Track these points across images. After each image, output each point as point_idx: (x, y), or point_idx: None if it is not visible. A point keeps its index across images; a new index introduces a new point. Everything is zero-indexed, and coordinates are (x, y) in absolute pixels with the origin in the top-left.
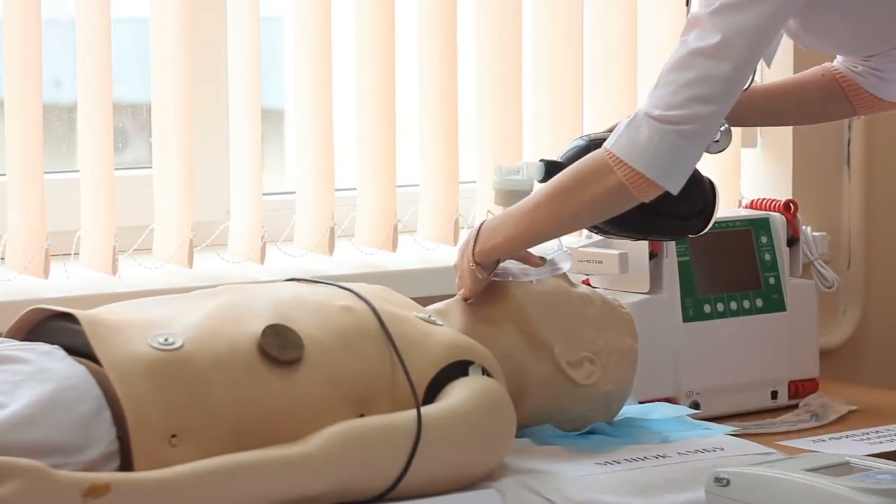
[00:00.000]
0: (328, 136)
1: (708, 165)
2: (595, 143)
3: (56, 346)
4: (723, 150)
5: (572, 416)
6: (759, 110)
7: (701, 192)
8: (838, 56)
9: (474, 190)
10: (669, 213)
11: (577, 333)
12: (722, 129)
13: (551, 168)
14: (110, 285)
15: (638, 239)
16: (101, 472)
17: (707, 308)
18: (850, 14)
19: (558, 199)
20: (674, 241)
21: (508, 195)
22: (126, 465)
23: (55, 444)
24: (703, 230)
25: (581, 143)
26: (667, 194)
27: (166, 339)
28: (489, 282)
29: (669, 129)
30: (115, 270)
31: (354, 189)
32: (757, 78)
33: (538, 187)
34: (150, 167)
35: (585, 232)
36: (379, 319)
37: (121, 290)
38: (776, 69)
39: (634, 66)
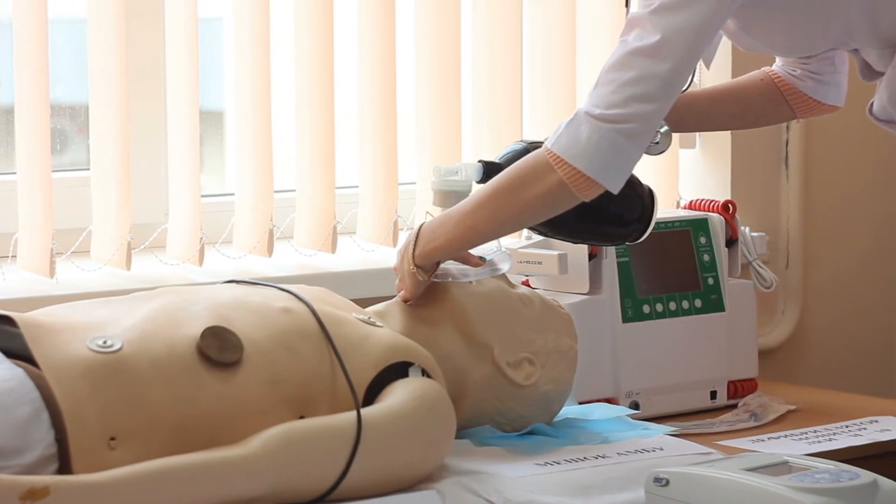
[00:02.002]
0: (267, 138)
1: (647, 166)
2: (533, 147)
3: None
4: (662, 151)
5: (512, 417)
6: (700, 116)
7: (640, 199)
8: (777, 60)
9: (414, 191)
10: (608, 219)
11: (516, 334)
12: (662, 130)
13: (490, 169)
14: (48, 288)
15: (577, 243)
16: (40, 476)
17: (646, 308)
18: (787, 15)
19: (499, 199)
20: None
21: (447, 196)
22: (65, 467)
23: None
24: (640, 237)
25: (519, 146)
26: (607, 199)
27: (105, 342)
28: (429, 283)
29: (610, 127)
30: (52, 273)
31: (294, 191)
32: (696, 80)
33: (477, 188)
34: (89, 169)
35: (525, 233)
36: (318, 321)
37: (59, 293)
38: (715, 71)
39: (573, 67)
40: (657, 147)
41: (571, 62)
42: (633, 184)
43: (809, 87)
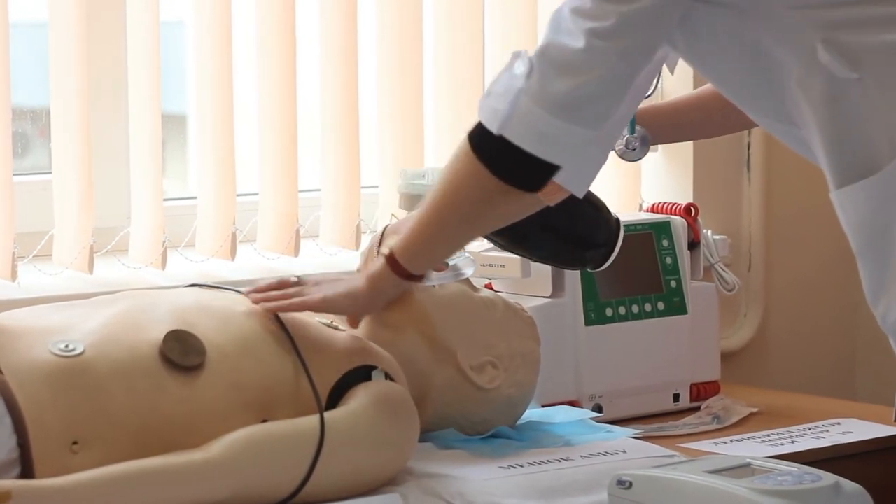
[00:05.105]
0: (229, 141)
1: (609, 169)
2: None
3: None
4: (640, 158)
5: (475, 421)
6: (664, 127)
7: (606, 224)
8: None
9: (376, 195)
10: (572, 239)
11: (479, 338)
12: (640, 137)
13: None
14: (9, 292)
15: (536, 260)
16: (2, 480)
17: (609, 311)
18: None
19: None
20: None
21: (413, 199)
22: (27, 472)
23: None
24: (602, 265)
25: None
26: (573, 219)
27: (67, 346)
28: None
29: None
30: (14, 276)
31: (256, 194)
32: (659, 86)
33: None
34: (51, 173)
35: None
36: (281, 325)
37: (20, 297)
38: (678, 78)
39: None
40: (634, 154)
41: None
42: (601, 209)
43: None
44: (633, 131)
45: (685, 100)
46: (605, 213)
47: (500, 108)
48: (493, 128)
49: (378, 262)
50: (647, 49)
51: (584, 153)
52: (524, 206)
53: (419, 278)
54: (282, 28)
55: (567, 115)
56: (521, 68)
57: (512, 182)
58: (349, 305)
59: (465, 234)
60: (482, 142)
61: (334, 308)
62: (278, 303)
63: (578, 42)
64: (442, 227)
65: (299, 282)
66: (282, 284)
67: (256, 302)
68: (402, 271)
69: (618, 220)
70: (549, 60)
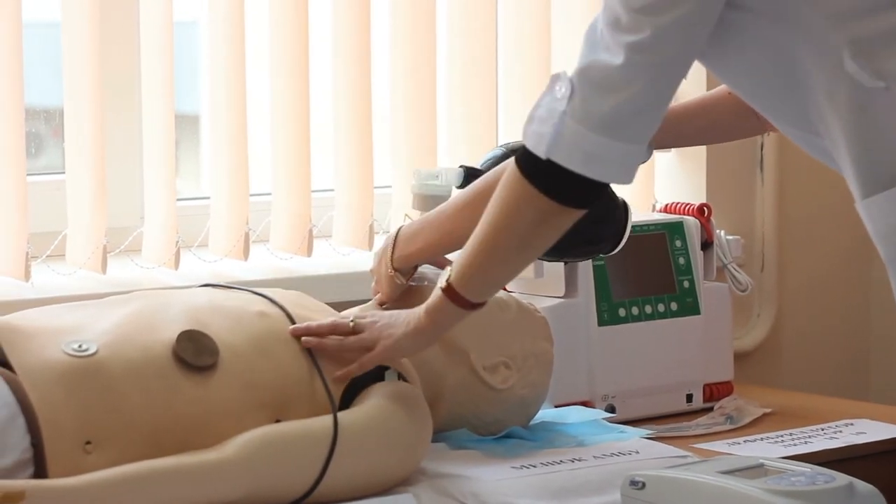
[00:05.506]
0: (243, 141)
1: None
2: (513, 153)
3: None
4: (643, 162)
5: (488, 421)
6: (671, 133)
7: (615, 210)
8: None
9: (389, 195)
10: (580, 233)
11: (492, 338)
12: None
13: (471, 174)
14: (23, 291)
15: (549, 260)
16: (15, 480)
17: (622, 312)
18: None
19: (479, 204)
20: None
21: (427, 200)
22: (40, 472)
23: None
24: (612, 250)
25: (499, 151)
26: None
27: (80, 346)
28: (406, 287)
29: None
30: (27, 276)
31: (269, 194)
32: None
33: (456, 192)
34: (64, 173)
35: None
36: (294, 325)
37: (34, 297)
38: (692, 81)
39: (548, 68)
40: None
41: (546, 63)
42: (608, 196)
43: None
44: None
45: (690, 105)
46: (612, 198)
47: (544, 133)
48: (541, 153)
49: (436, 296)
50: (685, 59)
51: (632, 167)
52: (576, 219)
53: (480, 306)
54: (295, 28)
55: (612, 133)
56: (562, 90)
57: (566, 202)
58: (415, 345)
59: (524, 257)
60: (530, 166)
61: (401, 353)
62: (348, 369)
63: (618, 58)
64: (499, 252)
65: (354, 328)
66: (337, 330)
67: (314, 346)
68: (464, 302)
69: (625, 203)
70: (589, 80)
